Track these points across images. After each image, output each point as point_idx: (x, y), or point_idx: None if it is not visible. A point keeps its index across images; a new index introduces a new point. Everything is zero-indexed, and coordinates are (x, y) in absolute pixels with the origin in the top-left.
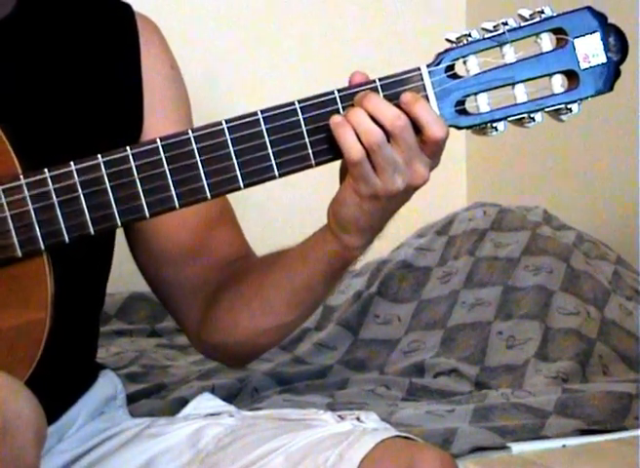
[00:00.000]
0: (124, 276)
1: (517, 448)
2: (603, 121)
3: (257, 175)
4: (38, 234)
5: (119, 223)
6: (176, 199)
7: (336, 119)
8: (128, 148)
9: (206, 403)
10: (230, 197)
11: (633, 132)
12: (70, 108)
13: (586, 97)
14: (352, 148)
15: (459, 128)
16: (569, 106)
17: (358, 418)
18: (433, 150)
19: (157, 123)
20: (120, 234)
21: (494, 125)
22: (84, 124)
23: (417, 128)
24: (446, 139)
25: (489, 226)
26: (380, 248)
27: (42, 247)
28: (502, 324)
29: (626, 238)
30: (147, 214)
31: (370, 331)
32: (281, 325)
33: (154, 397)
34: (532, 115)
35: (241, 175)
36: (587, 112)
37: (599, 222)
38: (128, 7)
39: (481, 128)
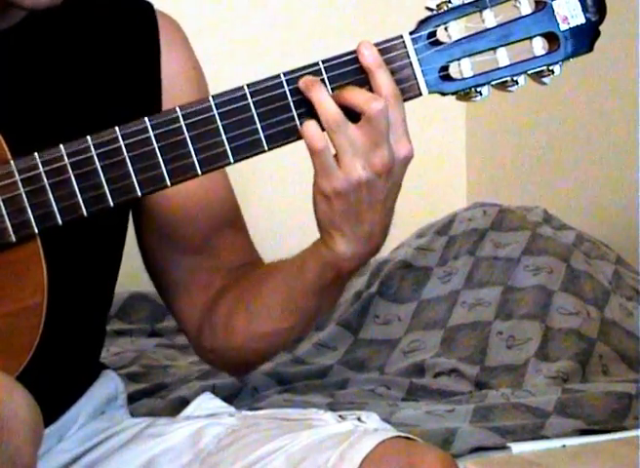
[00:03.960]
0: (124, 276)
1: (517, 448)
2: (603, 121)
3: (246, 150)
4: (31, 217)
5: (111, 203)
6: (167, 177)
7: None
8: (117, 128)
9: (207, 404)
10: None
11: (633, 132)
12: (86, 107)
13: (567, 58)
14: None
15: (443, 94)
16: (551, 68)
17: (359, 418)
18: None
19: None
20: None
21: (478, 89)
22: (100, 123)
23: (356, 113)
24: (384, 114)
25: (489, 226)
26: None
27: (35, 230)
28: (502, 324)
29: (626, 238)
30: (139, 193)
31: (370, 331)
32: (277, 330)
33: (154, 397)
34: (515, 78)
35: (230, 149)
36: (587, 112)
37: (599, 222)
38: (149, 6)
39: (465, 93)
